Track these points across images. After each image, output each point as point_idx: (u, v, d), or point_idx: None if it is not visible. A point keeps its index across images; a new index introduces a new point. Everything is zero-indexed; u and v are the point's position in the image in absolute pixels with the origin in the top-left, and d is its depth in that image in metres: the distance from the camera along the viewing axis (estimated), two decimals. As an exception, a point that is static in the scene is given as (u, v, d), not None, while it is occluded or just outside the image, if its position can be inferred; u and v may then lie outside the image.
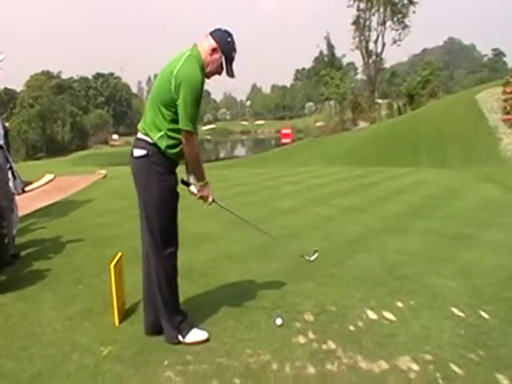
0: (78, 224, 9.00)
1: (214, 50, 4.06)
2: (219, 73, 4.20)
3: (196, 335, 4.22)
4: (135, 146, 4.13)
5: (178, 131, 3.99)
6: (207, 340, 4.22)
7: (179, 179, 4.25)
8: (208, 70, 4.12)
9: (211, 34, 4.12)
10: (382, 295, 5.17)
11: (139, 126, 4.20)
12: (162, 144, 4.01)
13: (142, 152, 4.05)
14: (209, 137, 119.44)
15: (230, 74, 4.18)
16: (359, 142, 33.79)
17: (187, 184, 4.29)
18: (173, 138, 4.02)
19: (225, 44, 4.09)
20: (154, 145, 4.02)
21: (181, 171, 4.27)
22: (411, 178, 15.32)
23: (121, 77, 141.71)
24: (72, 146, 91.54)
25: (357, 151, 29.82)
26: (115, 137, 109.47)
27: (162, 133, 4.01)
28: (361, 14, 64.92)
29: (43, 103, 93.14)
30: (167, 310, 4.21)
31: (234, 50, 4.14)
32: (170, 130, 4.01)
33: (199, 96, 4.00)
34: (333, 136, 46.52)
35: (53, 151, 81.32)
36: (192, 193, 4.31)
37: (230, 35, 4.14)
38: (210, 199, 4.36)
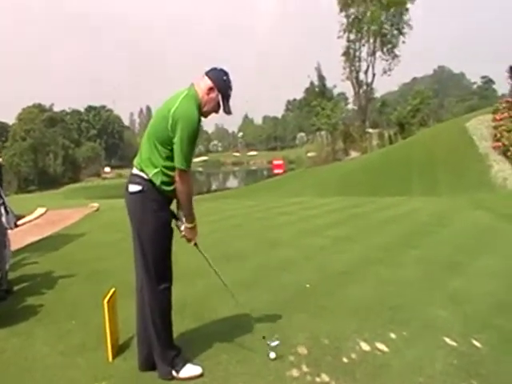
0: (71, 258, 8.99)
1: (210, 90, 4.13)
2: (216, 111, 4.26)
3: (190, 370, 4.22)
4: (131, 182, 4.17)
5: (173, 168, 4.04)
6: (201, 375, 4.21)
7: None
8: (205, 109, 4.18)
9: (207, 73, 4.19)
10: (375, 326, 5.18)
11: (135, 162, 4.24)
12: (157, 180, 4.05)
13: (138, 188, 4.09)
14: (201, 169, 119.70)
15: (227, 111, 4.25)
16: (351, 171, 33.97)
17: (176, 218, 4.33)
18: (168, 175, 4.06)
19: (221, 83, 4.16)
20: (150, 181, 4.07)
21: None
22: (402, 208, 15.35)
23: (113, 109, 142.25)
24: (64, 179, 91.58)
25: (348, 180, 29.97)
26: (107, 169, 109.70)
27: (158, 169, 4.05)
28: (351, 45, 65.47)
29: (35, 136, 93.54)
30: (161, 344, 4.21)
31: (230, 88, 4.22)
32: (165, 167, 4.05)
33: (195, 135, 4.04)
34: (324, 166, 46.78)
35: (45, 184, 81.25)
36: (178, 227, 4.34)
37: (225, 74, 4.21)
38: (193, 243, 4.42)
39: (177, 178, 4.03)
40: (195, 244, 4.44)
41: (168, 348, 4.25)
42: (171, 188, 4.10)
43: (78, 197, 40.08)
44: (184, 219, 4.27)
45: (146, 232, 4.12)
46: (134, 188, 4.12)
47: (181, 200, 4.19)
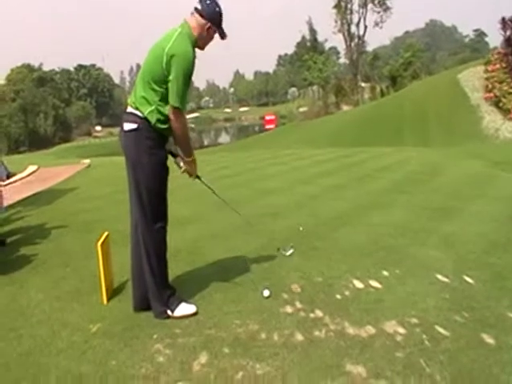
0: (63, 211, 8.98)
1: (205, 27, 4.08)
2: (211, 39, 4.23)
3: (184, 309, 4.25)
4: (125, 120, 4.14)
5: (167, 106, 4.02)
6: (196, 313, 4.25)
7: (167, 151, 4.27)
8: (202, 43, 4.18)
9: (198, 11, 4.09)
10: (368, 265, 5.22)
11: (129, 101, 4.22)
12: (153, 118, 4.03)
13: (133, 126, 4.07)
14: (192, 125, 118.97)
15: (223, 36, 4.23)
16: (343, 124, 33.91)
17: (174, 155, 4.32)
18: (163, 113, 4.04)
19: (212, 14, 4.10)
20: (145, 119, 4.05)
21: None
22: (394, 157, 15.36)
23: (102, 68, 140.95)
24: (55, 139, 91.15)
25: (340, 134, 29.95)
26: (98, 128, 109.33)
27: (153, 107, 4.03)
28: (342, -3, 64.79)
29: (25, 97, 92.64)
30: (156, 284, 4.24)
31: (221, 14, 4.14)
32: (160, 105, 4.03)
33: (191, 73, 4.02)
34: (316, 120, 46.63)
35: (36, 145, 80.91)
36: (177, 164, 4.34)
37: (215, 4, 4.12)
38: (194, 176, 4.42)
39: (171, 116, 4.01)
40: (197, 176, 4.47)
41: (163, 288, 4.28)
42: (166, 126, 4.08)
43: (70, 156, 39.93)
44: (182, 154, 4.28)
45: (142, 170, 4.11)
46: (129, 126, 4.10)
47: (177, 137, 4.17)
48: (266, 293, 4.51)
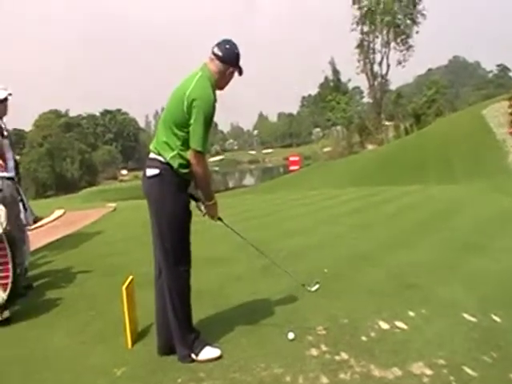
0: (89, 254, 9.04)
1: (225, 70, 4.16)
2: (231, 79, 4.30)
3: (209, 353, 4.22)
4: (148, 166, 4.19)
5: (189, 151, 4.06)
6: (220, 357, 4.22)
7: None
8: (222, 84, 4.25)
9: (217, 57, 4.14)
10: (394, 305, 5.16)
11: (151, 146, 4.27)
12: (175, 163, 4.07)
13: (155, 171, 4.11)
14: (217, 168, 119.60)
15: (241, 73, 4.30)
16: (367, 163, 33.83)
17: (195, 199, 4.34)
18: (185, 157, 4.07)
19: (232, 59, 4.18)
20: (167, 164, 4.08)
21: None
22: (419, 195, 15.28)
23: (128, 112, 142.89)
24: (81, 183, 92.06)
25: (365, 173, 29.84)
26: (124, 172, 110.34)
27: (175, 152, 4.07)
28: (364, 37, 64.91)
29: (52, 142, 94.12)
30: (180, 328, 4.23)
31: (239, 56, 4.22)
32: (182, 149, 4.07)
33: (212, 116, 4.07)
34: (340, 159, 46.61)
35: (62, 188, 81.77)
36: (199, 208, 4.37)
37: (234, 46, 4.20)
38: (216, 218, 4.45)
39: (192, 160, 4.03)
40: (219, 218, 4.48)
41: (187, 331, 4.26)
42: (188, 170, 4.11)
43: (96, 199, 40.28)
44: (204, 199, 4.31)
45: (165, 215, 4.14)
46: (151, 172, 4.14)
47: (198, 181, 4.20)
48: (291, 335, 4.47)
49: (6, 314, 5.55)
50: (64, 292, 6.59)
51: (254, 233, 8.92)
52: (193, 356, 4.20)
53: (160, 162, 4.12)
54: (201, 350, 4.22)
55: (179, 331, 4.23)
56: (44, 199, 53.94)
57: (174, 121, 4.08)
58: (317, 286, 4.67)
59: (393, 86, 74.26)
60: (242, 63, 4.26)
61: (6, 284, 5.59)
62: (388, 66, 64.72)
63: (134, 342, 4.64)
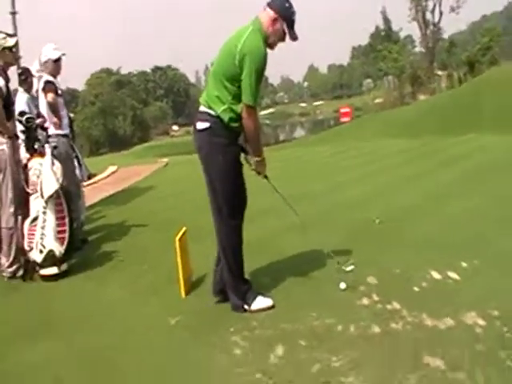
0: (141, 209, 9.19)
1: (274, 20, 4.07)
2: (283, 39, 4.21)
3: (261, 302, 4.27)
4: (198, 119, 4.20)
5: (240, 104, 4.05)
6: (272, 307, 4.27)
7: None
8: (271, 40, 4.14)
9: (269, 5, 4.11)
10: (446, 256, 5.08)
11: (201, 100, 4.28)
12: (226, 117, 4.07)
13: (206, 125, 4.12)
14: (268, 121, 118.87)
15: (294, 37, 4.20)
16: (419, 114, 33.11)
17: (245, 152, 4.34)
18: (236, 111, 4.06)
19: (284, 11, 4.09)
20: (217, 117, 4.08)
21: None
22: (473, 144, 14.89)
23: (178, 68, 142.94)
24: (134, 139, 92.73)
25: (417, 123, 29.19)
26: (175, 128, 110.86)
27: (226, 106, 4.06)
28: (416, -17, 63.34)
29: (104, 100, 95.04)
30: (233, 279, 4.29)
31: (293, 13, 4.14)
32: (233, 103, 4.05)
33: (263, 70, 4.04)
34: (392, 110, 45.86)
35: (115, 146, 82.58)
36: (248, 162, 4.36)
37: (287, 0, 4.13)
38: (263, 175, 4.46)
39: (244, 114, 4.03)
40: (265, 176, 4.48)
41: (240, 282, 4.32)
42: (239, 124, 4.11)
43: (148, 155, 40.55)
44: (252, 153, 4.30)
45: (216, 168, 4.16)
46: (202, 125, 4.15)
47: (248, 135, 4.19)
48: (343, 285, 4.47)
49: (64, 266, 5.73)
50: (117, 246, 6.74)
51: (306, 185, 8.93)
52: (245, 306, 4.25)
53: (210, 115, 4.12)
54: (253, 300, 4.26)
55: (232, 282, 4.30)
56: (98, 156, 54.71)
57: (224, 74, 4.06)
58: (352, 267, 4.61)
59: (446, 35, 72.39)
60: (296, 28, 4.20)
61: (64, 238, 5.75)
62: (441, 13, 63.09)
63: (187, 293, 4.72)
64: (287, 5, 4.12)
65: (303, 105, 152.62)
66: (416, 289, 4.42)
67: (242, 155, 4.34)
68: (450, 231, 5.97)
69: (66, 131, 6.85)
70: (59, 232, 5.73)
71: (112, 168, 17.62)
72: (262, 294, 4.38)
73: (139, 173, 15.63)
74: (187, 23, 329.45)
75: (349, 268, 4.57)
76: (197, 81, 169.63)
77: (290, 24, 4.13)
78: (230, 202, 4.22)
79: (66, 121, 6.89)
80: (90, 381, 3.52)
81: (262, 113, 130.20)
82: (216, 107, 4.08)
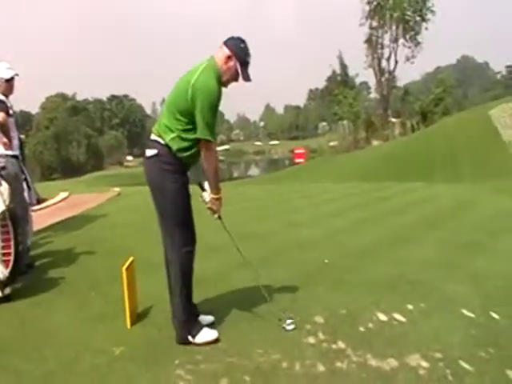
0: (92, 237, 9.05)
1: (228, 58, 4.16)
2: (236, 79, 4.28)
3: (206, 335, 4.25)
4: (148, 147, 4.24)
5: (190, 134, 4.09)
6: (217, 340, 4.25)
7: (196, 182, 4.34)
8: (225, 78, 4.21)
9: (225, 43, 4.22)
10: (393, 299, 5.17)
11: (153, 129, 4.31)
12: (174, 145, 4.10)
13: (154, 152, 4.15)
14: (222, 158, 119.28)
15: (246, 78, 4.26)
16: (373, 159, 33.82)
17: (202, 188, 4.35)
18: (185, 140, 4.10)
19: (238, 50, 4.18)
20: (166, 145, 4.11)
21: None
22: (424, 192, 15.26)
23: (135, 98, 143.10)
24: (87, 167, 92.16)
25: (370, 168, 29.84)
26: (129, 158, 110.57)
27: (175, 135, 4.10)
28: (373, 32, 64.96)
29: (58, 125, 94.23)
30: (179, 309, 4.27)
31: (247, 54, 4.23)
32: (182, 132, 4.09)
33: (216, 105, 4.10)
34: (346, 154, 46.57)
35: (68, 172, 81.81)
36: (203, 199, 4.37)
37: (242, 41, 4.23)
38: (217, 215, 4.46)
39: (203, 150, 4.09)
40: (219, 217, 4.47)
41: (186, 313, 4.29)
42: (188, 154, 4.14)
43: (101, 184, 40.27)
44: (209, 190, 4.31)
45: (164, 195, 4.18)
46: (150, 152, 4.19)
47: (207, 171, 4.21)
48: (290, 323, 4.49)
49: (7, 290, 5.58)
50: (65, 272, 6.60)
51: (258, 223, 8.98)
52: (190, 338, 4.23)
53: (159, 143, 4.16)
54: (198, 332, 4.25)
55: (178, 312, 4.28)
56: (49, 182, 53.95)
57: (177, 108, 4.11)
58: (292, 326, 4.58)
59: (400, 83, 74.03)
60: (250, 70, 4.29)
61: (9, 261, 5.62)
62: (396, 62, 64.83)
63: (132, 323, 4.67)
64: (242, 45, 4.22)
65: (258, 143, 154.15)
66: (362, 329, 4.48)
67: (199, 192, 4.36)
68: (398, 275, 6.05)
69: (16, 152, 6.75)
70: (4, 255, 5.61)
71: (63, 194, 17.32)
72: (208, 326, 4.36)
73: (91, 200, 15.41)
74: (147, 57, 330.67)
75: (289, 327, 4.52)
76: (153, 112, 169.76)
77: (244, 64, 4.22)
78: (180, 228, 4.23)
79: (16, 142, 6.79)
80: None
81: (217, 149, 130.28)
82: (165, 136, 4.12)
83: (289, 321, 4.51)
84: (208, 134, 4.02)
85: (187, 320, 4.28)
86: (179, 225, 4.21)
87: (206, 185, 4.34)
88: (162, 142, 4.13)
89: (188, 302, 4.32)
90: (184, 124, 4.08)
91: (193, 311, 4.42)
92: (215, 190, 4.28)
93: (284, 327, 4.49)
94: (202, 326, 4.30)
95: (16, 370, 3.94)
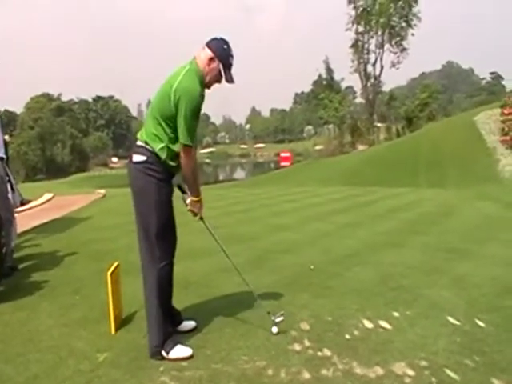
0: (76, 239, 9.01)
1: (211, 60, 4.10)
2: (219, 81, 4.23)
3: (180, 352, 4.13)
4: (135, 152, 4.14)
5: (177, 145, 4.04)
6: (191, 357, 4.12)
7: (175, 185, 4.28)
8: (207, 80, 4.16)
9: (207, 44, 4.16)
10: (378, 305, 5.17)
11: (139, 135, 4.23)
12: (163, 155, 4.04)
13: (142, 158, 4.07)
14: (208, 160, 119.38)
15: (229, 79, 4.21)
16: (358, 164, 33.88)
17: (182, 191, 4.32)
18: (173, 150, 4.05)
19: (221, 51, 4.12)
20: (155, 154, 4.06)
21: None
22: (409, 197, 15.36)
23: (121, 100, 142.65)
24: (72, 168, 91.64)
25: (355, 173, 29.89)
26: (114, 159, 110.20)
27: (163, 145, 4.04)
28: (359, 37, 65.16)
29: (43, 125, 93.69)
30: (154, 323, 4.18)
31: (230, 56, 4.17)
32: (171, 142, 4.04)
33: (198, 109, 4.05)
34: (331, 158, 46.65)
35: (52, 173, 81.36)
36: (184, 202, 4.33)
37: (225, 42, 4.17)
38: (198, 217, 4.40)
39: (181, 154, 4.02)
40: (201, 218, 4.42)
41: (160, 327, 4.19)
42: (175, 163, 4.10)
43: (85, 185, 40.17)
44: (189, 193, 4.27)
45: (147, 204, 4.11)
46: (138, 158, 4.10)
47: (185, 174, 4.16)
48: (275, 329, 4.47)
49: (-10, 293, 5.54)
50: (49, 275, 6.57)
51: (243, 226, 8.96)
52: (163, 353, 4.11)
53: (147, 150, 4.09)
54: (172, 348, 4.13)
55: (152, 326, 4.19)
56: (33, 182, 53.64)
57: (160, 114, 4.04)
58: (281, 318, 4.57)
59: (386, 88, 74.45)
60: (233, 71, 4.25)
61: (-9, 263, 5.58)
62: (382, 67, 65.09)
63: (117, 329, 4.63)
64: (225, 46, 4.16)
65: (244, 146, 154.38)
66: (347, 336, 4.46)
67: (180, 195, 4.32)
68: (383, 281, 6.06)
69: (1, 154, 6.70)
70: (-13, 257, 5.57)
71: (48, 195, 17.29)
72: (182, 342, 4.24)
73: (75, 202, 15.37)
74: (134, 57, 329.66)
75: (278, 319, 4.51)
76: (138, 114, 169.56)
77: (227, 66, 4.17)
78: (163, 239, 4.16)
79: (0, 143, 6.75)
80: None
81: (203, 151, 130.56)
82: (154, 144, 4.06)
83: (278, 313, 4.52)
84: (187, 140, 3.97)
85: (162, 333, 4.15)
86: (159, 235, 4.12)
87: (186, 188, 4.31)
88: (151, 149, 4.07)
89: (163, 315, 4.20)
90: (170, 131, 4.03)
91: (167, 326, 4.31)
92: (195, 192, 4.24)
93: (273, 320, 4.49)
94: (176, 342, 4.19)
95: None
